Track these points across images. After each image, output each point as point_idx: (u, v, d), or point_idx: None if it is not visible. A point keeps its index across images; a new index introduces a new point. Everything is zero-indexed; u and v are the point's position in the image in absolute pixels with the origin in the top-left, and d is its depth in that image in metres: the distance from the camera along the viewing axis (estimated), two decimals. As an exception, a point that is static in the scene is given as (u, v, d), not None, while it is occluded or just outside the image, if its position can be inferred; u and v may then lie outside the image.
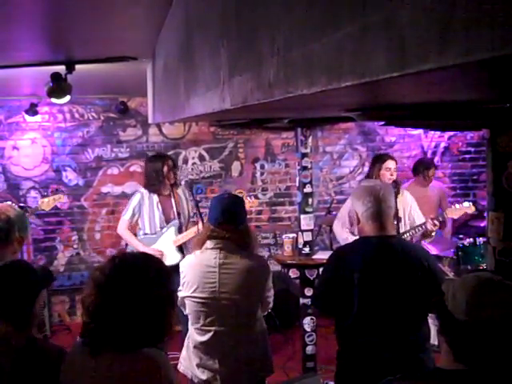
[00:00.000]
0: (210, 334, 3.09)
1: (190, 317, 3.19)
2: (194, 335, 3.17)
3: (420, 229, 4.53)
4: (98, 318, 1.90)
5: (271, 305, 3.25)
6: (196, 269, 3.13)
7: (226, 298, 3.04)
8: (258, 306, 3.15)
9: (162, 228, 4.97)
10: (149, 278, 1.92)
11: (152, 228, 4.97)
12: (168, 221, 4.97)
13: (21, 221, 2.91)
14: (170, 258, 4.76)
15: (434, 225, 4.47)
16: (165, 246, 4.92)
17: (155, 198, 4.94)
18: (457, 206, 4.78)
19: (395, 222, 3.73)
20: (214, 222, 3.11)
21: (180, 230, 4.97)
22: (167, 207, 4.99)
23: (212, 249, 3.10)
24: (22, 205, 3.59)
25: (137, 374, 1.89)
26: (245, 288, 3.05)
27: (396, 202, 4.07)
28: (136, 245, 4.91)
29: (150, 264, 1.99)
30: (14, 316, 2.15)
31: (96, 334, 1.91)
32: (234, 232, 3.08)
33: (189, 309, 3.16)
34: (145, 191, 4.98)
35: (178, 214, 5.00)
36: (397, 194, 4.62)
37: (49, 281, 2.47)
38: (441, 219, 4.59)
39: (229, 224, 3.09)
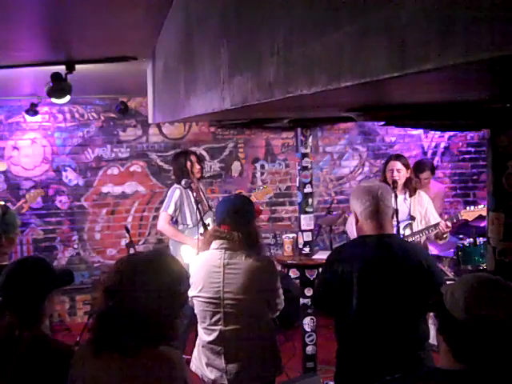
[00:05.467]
0: (215, 334, 3.10)
1: (198, 316, 3.22)
2: (202, 335, 3.19)
3: (433, 229, 4.52)
4: (108, 321, 1.91)
5: (280, 307, 3.24)
6: (202, 269, 3.15)
7: (230, 297, 3.05)
8: (264, 307, 3.14)
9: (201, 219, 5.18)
10: (160, 281, 1.91)
11: (194, 220, 5.16)
12: (203, 212, 5.16)
13: (5, 222, 2.89)
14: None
15: (447, 226, 4.45)
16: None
17: (190, 192, 5.12)
18: (472, 207, 4.73)
19: (394, 222, 3.73)
20: (219, 222, 3.17)
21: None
22: (200, 200, 5.20)
23: (217, 249, 3.11)
24: (3, 203, 3.52)
25: (150, 373, 1.90)
26: (249, 288, 3.05)
27: (396, 202, 4.08)
28: (182, 238, 5.08)
29: (163, 267, 1.97)
30: (20, 309, 2.15)
31: (106, 336, 1.91)
32: (239, 232, 3.09)
33: (196, 308, 3.19)
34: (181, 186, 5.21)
35: (209, 206, 5.26)
36: (410, 194, 4.63)
37: (66, 282, 2.49)
38: (455, 220, 4.56)
39: (232, 224, 3.10)
